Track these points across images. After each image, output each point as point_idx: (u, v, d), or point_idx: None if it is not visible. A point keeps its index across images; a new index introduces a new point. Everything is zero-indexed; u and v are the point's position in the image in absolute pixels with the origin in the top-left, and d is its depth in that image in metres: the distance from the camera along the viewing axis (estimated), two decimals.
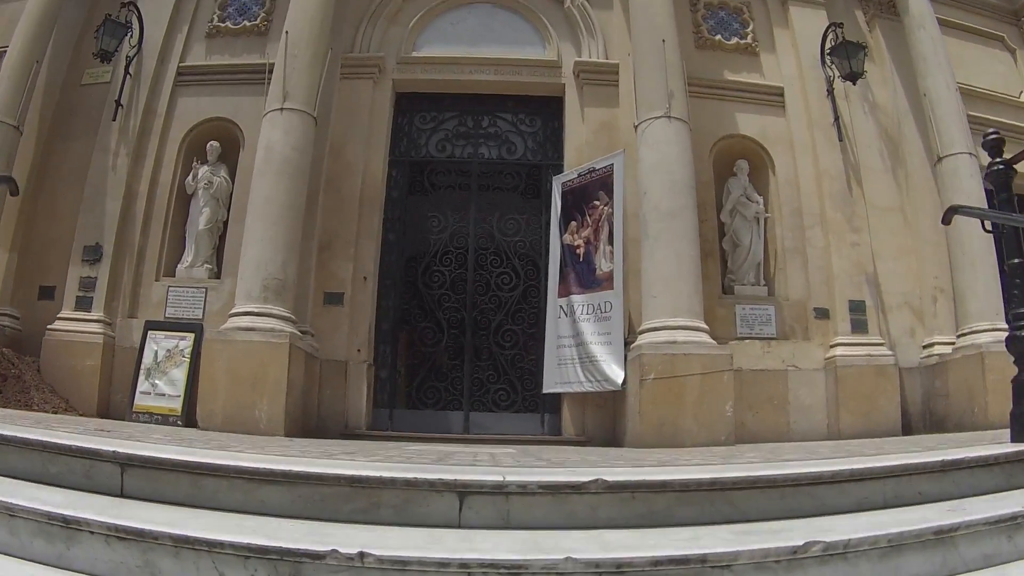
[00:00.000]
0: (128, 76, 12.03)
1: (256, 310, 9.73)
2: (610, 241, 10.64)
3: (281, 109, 10.49)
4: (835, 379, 10.88)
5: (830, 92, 11.98)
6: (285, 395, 9.36)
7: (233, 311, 9.94)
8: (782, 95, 12.26)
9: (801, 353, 11.22)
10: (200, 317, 11.16)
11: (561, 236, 11.30)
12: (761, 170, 12.08)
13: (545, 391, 11.03)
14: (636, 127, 10.75)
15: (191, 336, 10.80)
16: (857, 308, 11.28)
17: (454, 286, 11.82)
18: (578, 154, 11.75)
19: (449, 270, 11.85)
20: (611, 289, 10.48)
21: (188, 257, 11.66)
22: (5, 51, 11.93)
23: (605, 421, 10.64)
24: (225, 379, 9.47)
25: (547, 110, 12.56)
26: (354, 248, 11.35)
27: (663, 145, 10.38)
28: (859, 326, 11.23)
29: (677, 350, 9.46)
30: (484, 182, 12.43)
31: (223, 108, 12.11)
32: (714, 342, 9.82)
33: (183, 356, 10.77)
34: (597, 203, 10.94)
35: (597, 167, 11.08)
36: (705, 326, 9.89)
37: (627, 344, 10.18)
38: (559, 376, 10.81)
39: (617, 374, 10.07)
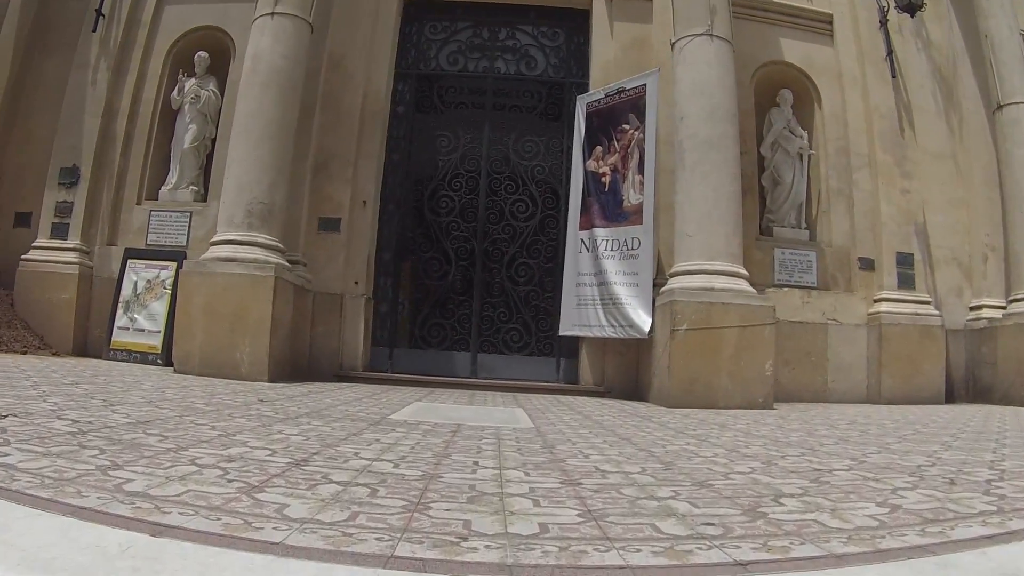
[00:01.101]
0: None
1: (239, 238, 8.73)
2: (640, 170, 9.53)
3: (272, 13, 9.35)
4: (878, 337, 10.17)
5: (883, 23, 11.02)
6: (269, 335, 8.39)
7: (213, 239, 9.01)
8: (831, 23, 11.27)
9: (843, 306, 10.46)
10: (184, 244, 10.34)
11: (584, 162, 10.20)
12: (805, 103, 11.13)
13: (562, 333, 10.10)
14: (673, 45, 9.60)
15: (173, 265, 10.04)
16: (905, 261, 10.57)
17: (464, 213, 10.82)
18: (605, 73, 10.66)
19: (459, 195, 10.84)
20: (639, 224, 9.39)
21: (172, 178, 10.76)
22: None
23: (627, 370, 9.75)
24: (202, 317, 8.52)
25: (572, 23, 11.42)
26: (353, 169, 10.34)
27: (703, 66, 9.26)
28: (906, 281, 10.55)
29: (714, 298, 8.46)
30: (500, 100, 11.33)
31: (212, 15, 11.08)
32: (754, 291, 8.83)
33: (164, 288, 9.98)
34: (626, 127, 9.80)
35: (628, 87, 9.90)
36: (745, 272, 8.93)
37: (655, 287, 9.19)
38: (578, 318, 9.83)
39: (644, 320, 9.06)
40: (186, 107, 10.71)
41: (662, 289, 9.00)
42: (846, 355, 10.26)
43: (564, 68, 11.34)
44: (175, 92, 10.74)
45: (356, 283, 10.10)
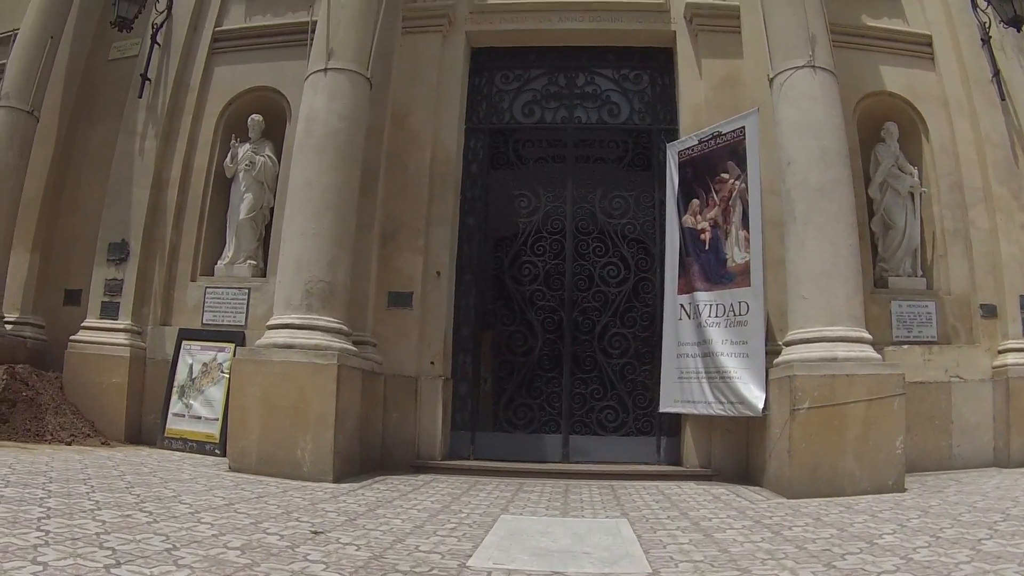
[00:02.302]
0: (156, 46, 10.50)
1: (297, 322, 7.94)
2: (744, 224, 8.53)
3: (325, 70, 8.59)
4: (1005, 393, 9.02)
5: (986, 41, 9.88)
6: (333, 430, 7.54)
7: (270, 322, 8.24)
8: (930, 44, 10.19)
9: (966, 361, 9.31)
10: (243, 324, 9.69)
11: (680, 217, 9.24)
12: (911, 136, 10.03)
13: (663, 410, 9.13)
14: (771, 81, 8.54)
15: (231, 347, 9.38)
16: None
17: (549, 280, 9.91)
18: (696, 116, 9.73)
19: (542, 260, 9.93)
20: (747, 286, 8.38)
21: (228, 252, 10.12)
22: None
23: (737, 450, 8.71)
24: (259, 409, 7.73)
25: (655, 63, 10.56)
26: (424, 238, 9.57)
27: (808, 101, 8.21)
28: None
29: (838, 370, 7.39)
30: (582, 152, 10.43)
31: (265, 76, 10.51)
32: (879, 357, 7.74)
33: (222, 371, 9.30)
34: (725, 176, 8.83)
35: (724, 131, 8.93)
36: (868, 336, 7.85)
37: (768, 356, 8.16)
38: (680, 393, 8.86)
39: (756, 396, 8.02)
40: (240, 175, 10.08)
41: (776, 360, 7.97)
42: (971, 415, 9.13)
43: (650, 113, 10.45)
44: (228, 159, 10.14)
45: (432, 363, 9.31)
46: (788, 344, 7.95)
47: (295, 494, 6.41)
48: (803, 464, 7.27)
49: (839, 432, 7.32)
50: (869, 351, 7.69)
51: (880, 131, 9.89)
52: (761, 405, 7.94)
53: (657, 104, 10.45)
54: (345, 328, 8.19)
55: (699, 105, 9.80)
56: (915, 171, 9.76)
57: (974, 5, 10.14)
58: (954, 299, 9.56)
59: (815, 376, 7.38)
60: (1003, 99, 9.87)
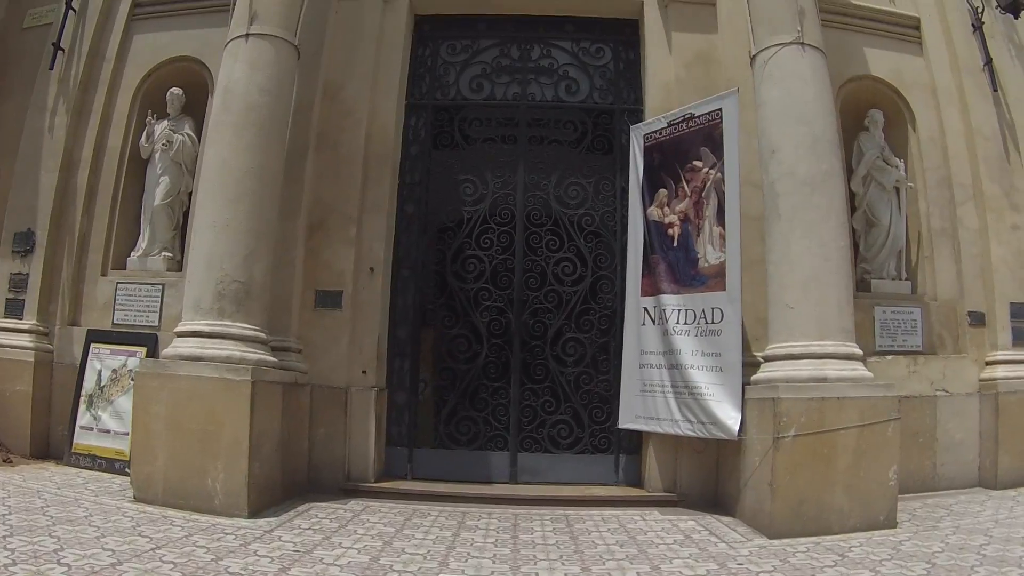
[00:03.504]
0: (71, 12, 9.44)
1: (207, 329, 6.99)
2: (719, 220, 7.70)
3: (246, 35, 7.57)
4: (994, 408, 8.62)
5: (977, 28, 9.57)
6: (247, 456, 6.59)
7: (178, 328, 7.27)
8: (918, 28, 9.72)
9: (952, 373, 8.86)
10: (156, 325, 8.75)
11: (645, 209, 8.41)
12: (896, 126, 9.47)
13: (622, 426, 8.35)
14: (754, 58, 7.74)
15: (142, 352, 8.43)
16: (1019, 313, 9.13)
17: (496, 277, 8.97)
18: (665, 95, 8.87)
19: (489, 255, 8.98)
20: (722, 290, 7.56)
21: (142, 243, 9.13)
22: None
23: (706, 473, 7.95)
24: (165, 431, 6.79)
25: (619, 37, 9.66)
26: (357, 227, 8.59)
27: (796, 82, 7.40)
28: (1021, 336, 9.11)
29: (828, 392, 6.68)
30: (536, 133, 9.48)
31: (187, 45, 9.42)
32: (871, 376, 7.03)
33: (132, 379, 8.06)
34: (698, 164, 7.98)
35: (697, 113, 8.06)
36: (859, 351, 7.20)
37: (745, 368, 7.41)
38: (643, 408, 8.07)
39: (731, 417, 7.21)
40: (157, 155, 9.06)
41: (755, 376, 7.23)
42: (956, 431, 8.62)
43: (612, 92, 9.52)
44: (143, 138, 9.08)
45: (364, 372, 8.33)
46: (769, 359, 7.20)
47: (200, 539, 5.57)
48: (787, 499, 6.55)
49: (828, 463, 6.64)
50: (861, 369, 7.03)
51: (864, 119, 9.23)
52: (737, 427, 7.16)
53: (620, 82, 9.54)
54: (263, 335, 7.25)
55: (668, 84, 8.94)
56: (901, 164, 9.15)
57: None
58: (940, 305, 9.04)
59: (803, 399, 6.65)
60: (995, 90, 9.38)
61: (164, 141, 8.99)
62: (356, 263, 8.49)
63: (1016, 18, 9.28)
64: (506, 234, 9.01)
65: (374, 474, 8.21)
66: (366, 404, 8.25)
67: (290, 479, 7.53)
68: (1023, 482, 8.35)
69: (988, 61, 9.40)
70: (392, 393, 8.71)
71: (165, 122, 9.11)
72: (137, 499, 6.79)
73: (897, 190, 9.10)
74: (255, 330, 7.16)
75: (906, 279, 9.13)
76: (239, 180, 7.28)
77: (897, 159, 9.16)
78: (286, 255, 8.05)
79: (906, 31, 9.65)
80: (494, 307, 8.94)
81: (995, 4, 9.32)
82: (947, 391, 8.65)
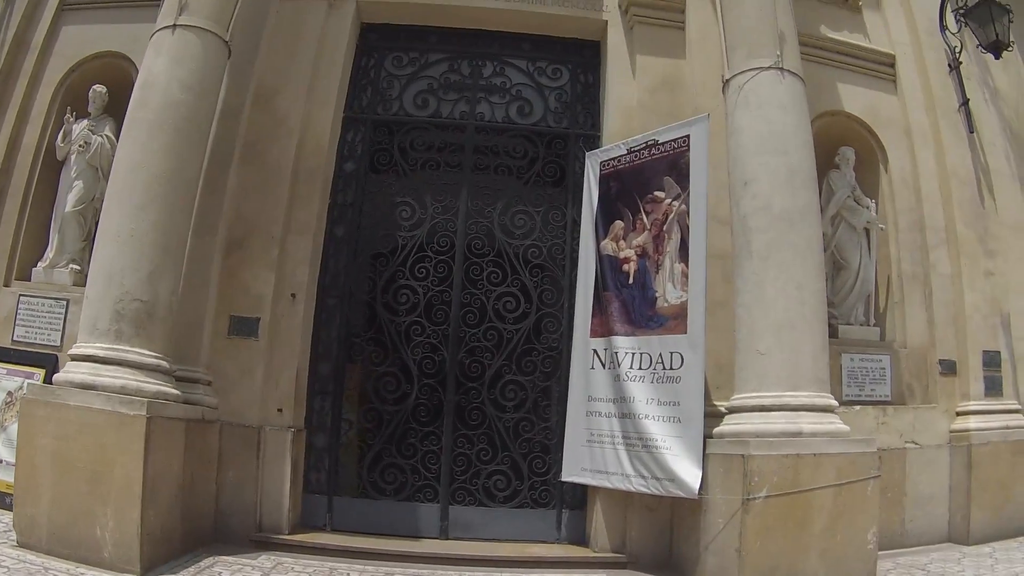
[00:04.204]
0: None
1: (101, 353, 6.15)
2: (682, 256, 7.13)
3: (173, 26, 6.87)
4: (966, 461, 8.28)
5: (954, 68, 9.37)
6: (140, 504, 5.75)
7: (72, 351, 6.41)
8: (892, 65, 9.45)
9: (922, 424, 8.43)
10: (57, 344, 7.76)
11: (598, 242, 7.81)
12: (868, 165, 9.15)
13: (565, 479, 7.64)
14: (726, 83, 7.31)
15: (41, 373, 7.57)
16: (992, 361, 8.77)
17: (431, 311, 8.23)
18: (625, 121, 8.35)
19: (424, 286, 8.25)
20: (682, 333, 6.95)
21: (50, 252, 8.25)
22: None
23: (658, 532, 7.30)
24: (51, 468, 5.95)
25: (578, 58, 9.13)
26: (280, 248, 7.82)
27: (774, 110, 6.97)
28: (993, 386, 8.75)
29: (803, 448, 6.17)
30: (483, 156, 8.82)
31: (115, 39, 8.57)
32: (848, 429, 6.52)
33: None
34: (660, 195, 7.42)
35: (661, 140, 7.51)
36: (835, 402, 6.68)
37: (706, 419, 6.82)
38: (590, 460, 7.41)
39: (691, 474, 6.56)
40: (73, 157, 8.23)
41: (719, 429, 6.67)
42: (925, 485, 8.18)
43: (568, 115, 8.92)
44: (59, 138, 8.29)
45: (280, 410, 7.51)
46: (736, 410, 6.65)
47: None
48: (756, 567, 6.05)
49: (802, 525, 6.15)
50: (838, 423, 6.53)
51: (835, 156, 8.82)
52: (697, 485, 6.51)
53: (577, 105, 8.97)
54: (165, 363, 6.45)
55: (630, 109, 8.45)
56: (872, 204, 8.79)
57: (943, 27, 9.50)
58: (910, 353, 8.68)
59: (776, 456, 6.13)
60: (971, 132, 9.16)
61: (81, 142, 8.19)
62: (277, 287, 7.72)
63: (997, 58, 9.13)
64: (444, 264, 8.29)
65: (289, 524, 7.38)
66: (281, 446, 7.43)
67: (193, 528, 6.72)
68: (996, 536, 8.05)
69: (965, 102, 9.18)
70: (311, 434, 7.91)
71: (85, 121, 8.33)
72: (20, 544, 5.95)
73: (867, 232, 8.76)
74: (156, 357, 6.35)
75: (875, 325, 8.77)
76: (148, 185, 6.51)
77: (868, 199, 8.81)
78: (199, 275, 7.32)
79: (880, 68, 9.40)
80: (427, 343, 8.19)
81: (976, 43, 9.07)
82: (916, 443, 8.25)
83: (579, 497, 7.82)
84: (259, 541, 7.14)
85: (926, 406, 8.51)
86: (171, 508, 6.25)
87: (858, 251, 8.67)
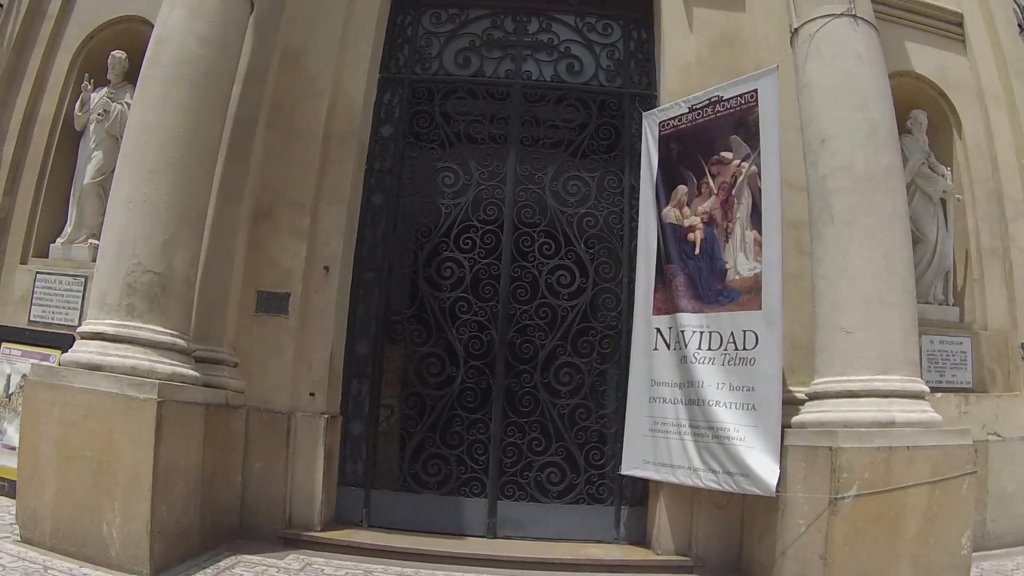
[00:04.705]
0: None
1: (111, 331, 5.64)
2: (754, 223, 6.46)
3: None
4: None
5: (1023, 29, 8.87)
6: (150, 498, 5.21)
7: (81, 328, 5.93)
8: (961, 24, 8.79)
9: (1004, 413, 7.82)
10: (75, 323, 7.19)
11: (659, 210, 7.13)
12: (941, 130, 8.51)
13: (625, 472, 6.99)
14: (795, 32, 6.73)
15: (58, 355, 7.05)
16: None
17: (478, 286, 7.59)
18: (684, 79, 7.67)
19: (470, 258, 7.61)
20: (757, 309, 6.29)
21: (68, 227, 7.82)
22: None
23: (727, 531, 6.71)
24: (55, 457, 5.47)
25: (630, 12, 8.39)
26: (311, 218, 7.28)
27: (850, 60, 6.37)
28: None
29: (896, 440, 5.53)
30: (531, 117, 8.07)
31: (134, 2, 8.03)
32: (941, 418, 5.88)
33: None
34: (727, 156, 6.75)
35: (727, 96, 6.83)
36: (926, 387, 6.02)
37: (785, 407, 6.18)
38: (653, 451, 6.75)
39: (767, 468, 5.91)
40: (91, 127, 7.75)
41: (798, 418, 6.04)
42: (1008, 482, 7.45)
43: (621, 74, 8.22)
44: (77, 107, 7.79)
45: (312, 394, 6.96)
46: (817, 396, 5.99)
47: None
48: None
49: (894, 529, 5.49)
50: (931, 412, 5.87)
51: (906, 120, 8.08)
52: (775, 481, 5.83)
53: (631, 63, 8.26)
54: (181, 342, 5.90)
55: (688, 66, 7.78)
56: (948, 172, 8.12)
57: None
58: (991, 335, 8.02)
59: (867, 449, 5.45)
60: None
61: (100, 111, 7.70)
62: (308, 261, 7.18)
63: None
64: (491, 234, 7.64)
65: (321, 520, 6.82)
66: (313, 433, 6.87)
67: (215, 524, 6.19)
68: None
69: None
70: (347, 421, 7.33)
71: (104, 90, 7.84)
72: (23, 539, 5.51)
73: (943, 202, 8.11)
74: (171, 335, 5.80)
75: (954, 304, 8.11)
76: (162, 146, 5.97)
77: (944, 167, 8.17)
78: (223, 246, 6.82)
79: (949, 28, 8.75)
80: (474, 322, 7.55)
81: None
82: (999, 435, 7.57)
83: (640, 492, 7.20)
84: (288, 538, 6.63)
85: (1009, 394, 7.91)
86: (188, 502, 5.71)
87: (935, 223, 8.01)
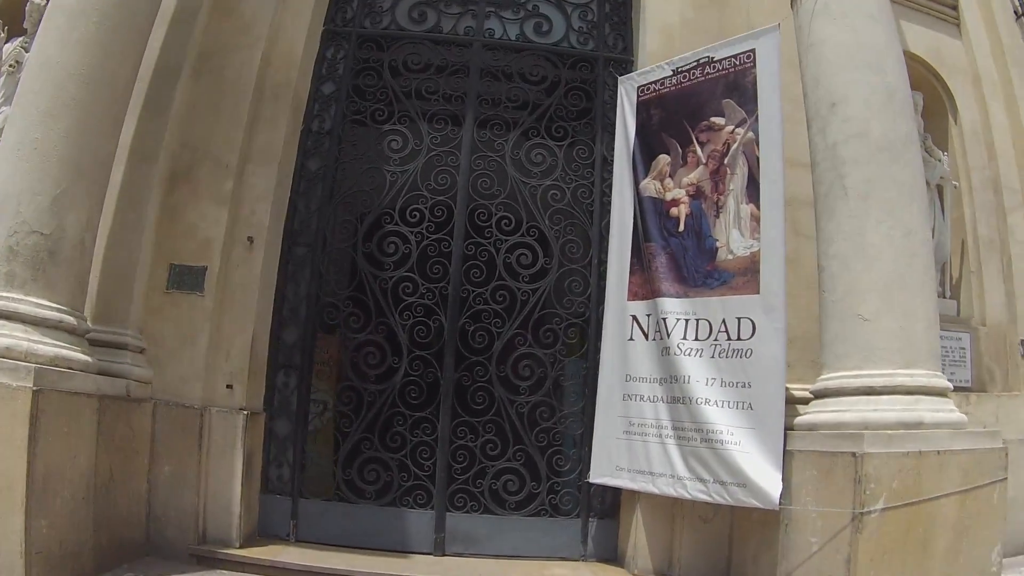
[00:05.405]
0: None
1: None
2: (751, 195, 5.77)
3: None
4: None
5: (1020, 15, 8.86)
6: (24, 509, 4.26)
7: None
8: (956, 8, 8.62)
9: (1005, 414, 7.41)
10: None
11: (637, 183, 6.41)
12: (936, 114, 8.20)
13: (594, 480, 6.26)
14: None
15: None
16: None
17: (425, 265, 6.78)
18: (666, 40, 7.02)
19: (418, 233, 6.81)
20: (753, 292, 5.57)
21: None
22: None
23: (713, 548, 6.00)
24: None
25: None
26: (236, 181, 6.39)
27: (862, 19, 5.74)
28: None
29: (925, 443, 4.87)
30: (492, 80, 7.35)
31: None
32: (966, 419, 5.24)
33: None
34: (719, 121, 6.04)
35: (718, 56, 6.15)
36: (949, 383, 5.32)
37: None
38: (627, 456, 6.04)
39: (768, 477, 5.17)
40: (1, 79, 6.79)
41: (805, 419, 5.30)
42: (1010, 487, 6.71)
43: (595, 36, 7.49)
44: None
45: (230, 387, 6.09)
46: (827, 393, 5.30)
47: None
48: None
49: (923, 546, 4.82)
50: (956, 411, 5.23)
51: None
52: (778, 492, 5.09)
53: (605, 25, 7.54)
54: (71, 320, 4.95)
55: (671, 27, 7.12)
56: (945, 158, 7.77)
57: None
58: (989, 331, 7.77)
59: (895, 455, 4.78)
60: None
61: (12, 62, 6.81)
62: (230, 230, 6.31)
63: None
64: (442, 206, 6.85)
65: (241, 535, 5.96)
66: (231, 433, 6.00)
67: (114, 540, 5.31)
68: None
69: None
70: (271, 419, 6.50)
71: (19, 39, 6.92)
72: None
73: (940, 189, 7.73)
74: (59, 310, 4.85)
75: (951, 298, 7.79)
76: (62, 85, 5.04)
77: (941, 152, 7.78)
78: (132, 212, 5.96)
79: (943, 9, 8.55)
80: (420, 306, 6.72)
81: None
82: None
83: (611, 503, 6.50)
84: (202, 556, 5.78)
85: (1008, 394, 7.64)
86: (76, 515, 4.79)
87: (931, 211, 7.39)
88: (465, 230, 6.81)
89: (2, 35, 6.89)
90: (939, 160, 7.66)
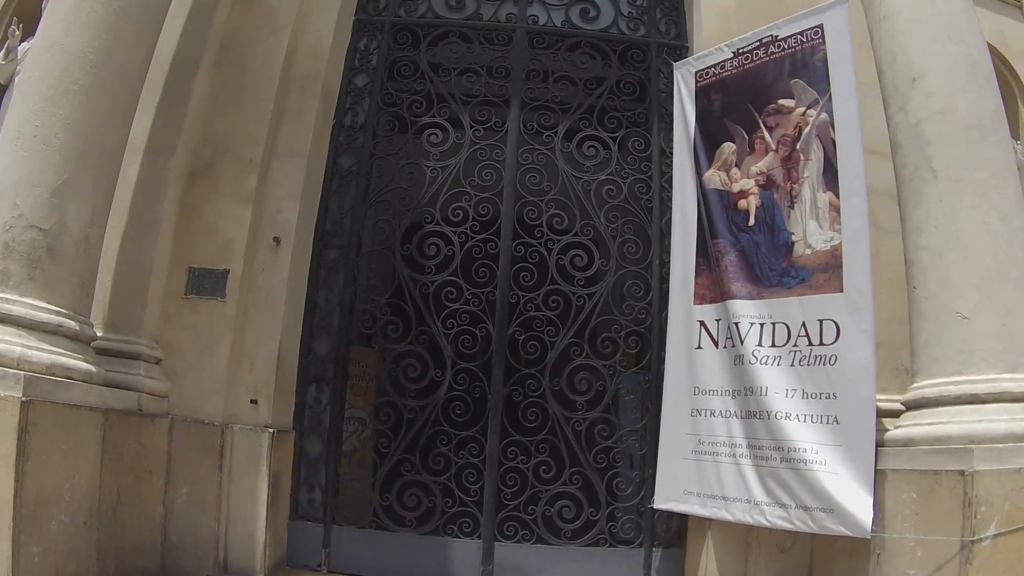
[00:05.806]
0: None
1: None
2: (828, 182, 5.29)
3: None
4: None
5: None
6: (11, 534, 3.78)
7: None
8: None
9: None
10: None
11: (699, 174, 5.94)
12: (1006, 100, 7.11)
13: (659, 506, 5.73)
14: None
15: None
16: None
17: (469, 268, 6.36)
18: (722, 24, 6.53)
19: (461, 235, 6.38)
20: (836, 291, 5.06)
21: None
22: None
23: None
24: None
25: None
26: (260, 177, 5.99)
27: None
28: None
29: None
30: (537, 72, 6.90)
31: None
32: None
33: None
34: (788, 103, 5.56)
35: (782, 35, 5.68)
36: None
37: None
38: (696, 479, 5.52)
39: (858, 501, 4.64)
40: (16, 79, 6.38)
41: (897, 433, 4.75)
42: None
43: (645, 22, 7.07)
44: (1, 56, 6.64)
45: (254, 401, 5.66)
46: (923, 404, 4.71)
47: None
48: None
49: None
50: None
51: None
52: (870, 518, 4.54)
53: (656, 10, 7.12)
54: (72, 323, 4.50)
55: (727, 10, 6.65)
56: (1020, 146, 7.10)
57: None
58: None
59: (1007, 472, 4.09)
60: None
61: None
62: (254, 231, 5.92)
63: None
64: (488, 204, 6.43)
65: (266, 565, 5.53)
66: (255, 452, 5.57)
67: (123, 569, 4.83)
68: None
69: None
70: (301, 438, 6.11)
71: (33, 39, 6.50)
72: None
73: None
74: (58, 313, 4.39)
75: None
76: (66, 69, 4.62)
77: (1014, 140, 6.91)
78: (147, 211, 5.59)
79: None
80: (465, 312, 6.26)
81: None
82: None
83: (677, 531, 5.97)
84: None
85: None
86: (75, 541, 4.32)
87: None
88: (513, 230, 6.38)
89: (17, 34, 6.61)
90: (1014, 148, 6.99)
